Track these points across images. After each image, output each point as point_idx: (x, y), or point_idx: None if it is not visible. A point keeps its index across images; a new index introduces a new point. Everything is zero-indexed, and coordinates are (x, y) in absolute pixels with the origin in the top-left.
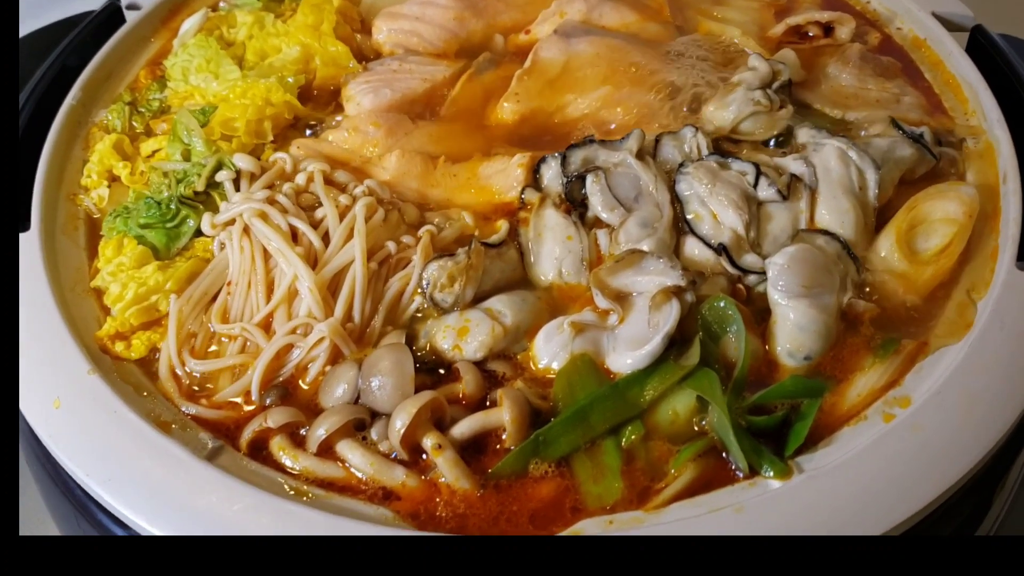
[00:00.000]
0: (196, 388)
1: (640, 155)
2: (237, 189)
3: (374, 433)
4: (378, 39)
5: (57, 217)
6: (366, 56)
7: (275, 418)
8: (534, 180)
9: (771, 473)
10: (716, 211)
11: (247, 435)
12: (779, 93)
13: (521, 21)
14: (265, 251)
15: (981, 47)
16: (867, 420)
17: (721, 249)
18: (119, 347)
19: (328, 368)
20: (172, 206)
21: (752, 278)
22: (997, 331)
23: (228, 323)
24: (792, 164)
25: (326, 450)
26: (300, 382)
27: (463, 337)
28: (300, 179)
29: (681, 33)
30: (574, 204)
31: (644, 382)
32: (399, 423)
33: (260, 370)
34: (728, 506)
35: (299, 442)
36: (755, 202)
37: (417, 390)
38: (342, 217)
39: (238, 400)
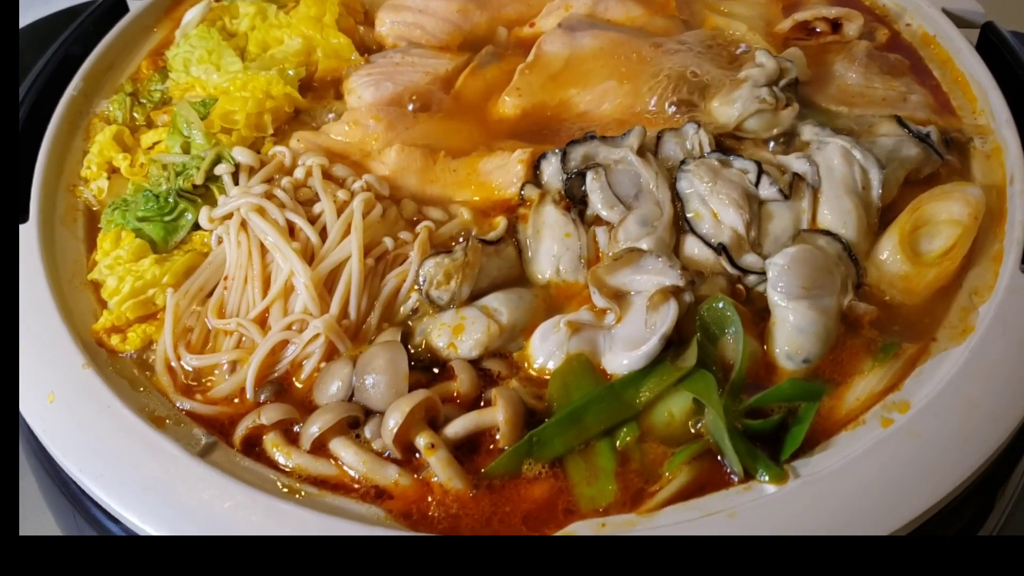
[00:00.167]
0: (193, 383)
1: (641, 152)
2: (236, 183)
3: (368, 431)
4: (381, 31)
5: (56, 208)
6: (369, 48)
7: (268, 415)
8: (534, 176)
9: (766, 477)
10: (717, 210)
11: (240, 431)
12: (785, 91)
13: (525, 14)
14: (262, 246)
15: (991, 45)
16: (865, 425)
17: (721, 249)
18: (115, 340)
19: (323, 365)
20: (170, 199)
21: (752, 278)
22: (999, 336)
23: (224, 318)
24: (795, 163)
25: (319, 447)
26: (295, 378)
27: (458, 335)
28: (299, 173)
29: (687, 28)
30: (574, 201)
31: (640, 383)
32: (392, 422)
33: (255, 366)
34: (721, 511)
35: (293, 439)
36: (756, 201)
37: (412, 388)
38: (340, 212)
39: (233, 396)
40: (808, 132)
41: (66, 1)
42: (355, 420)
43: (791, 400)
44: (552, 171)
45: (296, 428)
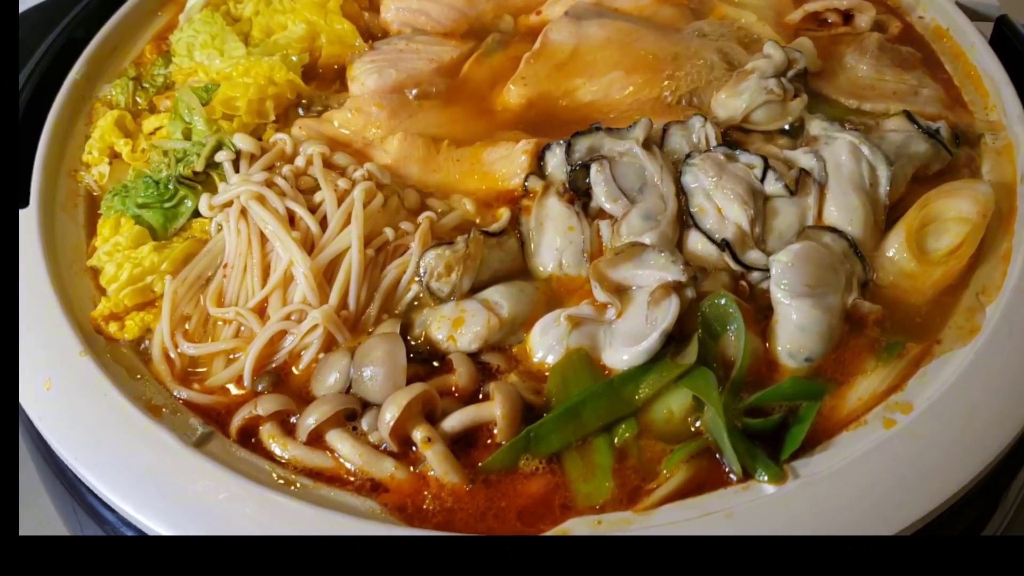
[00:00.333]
0: (189, 369)
1: (647, 144)
2: (237, 170)
3: (364, 423)
4: (385, 17)
5: (57, 194)
6: (373, 35)
7: (265, 406)
8: (538, 167)
9: (765, 477)
10: (721, 205)
11: (237, 422)
12: (793, 82)
13: (532, 1)
14: (262, 234)
15: (1005, 39)
16: (867, 425)
17: (724, 244)
18: (113, 328)
19: (321, 356)
20: (170, 186)
21: (755, 275)
22: (1005, 337)
23: (223, 307)
24: (802, 158)
25: (316, 439)
26: (293, 369)
27: (458, 328)
28: (300, 161)
29: (696, 17)
30: (578, 193)
31: (639, 379)
32: (388, 415)
33: (253, 356)
34: (719, 511)
35: (289, 430)
36: (762, 196)
37: (410, 380)
38: (340, 201)
39: (231, 385)
40: (816, 126)
41: None
42: (352, 412)
43: (792, 399)
44: (556, 162)
45: (293, 419)
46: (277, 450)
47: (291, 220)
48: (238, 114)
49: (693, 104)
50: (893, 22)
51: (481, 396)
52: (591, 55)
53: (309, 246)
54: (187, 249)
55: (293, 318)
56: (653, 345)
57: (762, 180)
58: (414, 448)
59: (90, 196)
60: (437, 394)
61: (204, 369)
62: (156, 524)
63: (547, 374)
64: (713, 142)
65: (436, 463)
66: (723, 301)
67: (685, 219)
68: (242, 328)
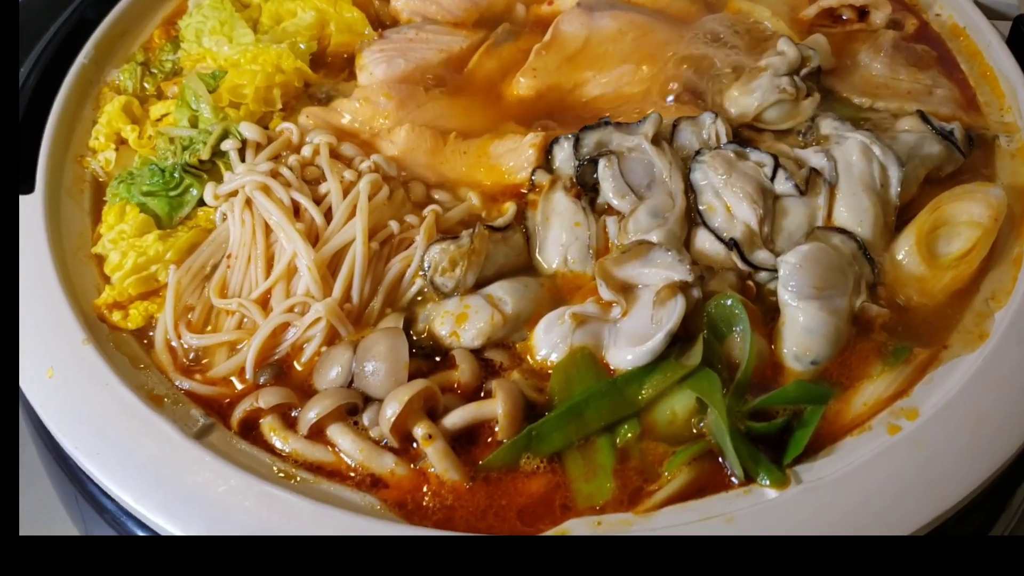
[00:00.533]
0: (191, 360)
1: (656, 140)
2: (243, 159)
3: (366, 418)
4: (396, 6)
5: (63, 179)
6: (383, 23)
7: (266, 399)
8: (546, 161)
9: (767, 481)
10: (730, 203)
11: (238, 414)
12: (807, 80)
13: None
14: (267, 225)
15: (1023, 39)
16: (871, 431)
17: (732, 244)
18: (116, 316)
19: (324, 349)
20: (176, 174)
21: (763, 275)
22: (1014, 344)
23: (226, 298)
24: (813, 157)
25: (317, 433)
26: (295, 362)
27: (461, 324)
28: (306, 151)
29: (709, 11)
30: (585, 188)
31: (643, 380)
32: (390, 411)
33: (255, 348)
34: (720, 515)
35: (291, 423)
36: (771, 196)
37: (412, 376)
38: (346, 193)
39: (232, 377)
40: (827, 125)
41: None
42: (354, 407)
43: (796, 403)
44: (564, 157)
45: (294, 412)
46: (278, 443)
47: (296, 211)
48: (245, 102)
49: (704, 100)
50: (909, 19)
51: (483, 393)
52: (602, 47)
53: (313, 238)
54: (192, 238)
55: (296, 310)
56: (658, 346)
57: (772, 179)
58: (415, 444)
59: (96, 182)
60: (439, 391)
61: (206, 360)
62: (155, 515)
63: (550, 372)
64: (724, 139)
65: (437, 460)
66: (729, 302)
67: (693, 217)
68: (245, 320)
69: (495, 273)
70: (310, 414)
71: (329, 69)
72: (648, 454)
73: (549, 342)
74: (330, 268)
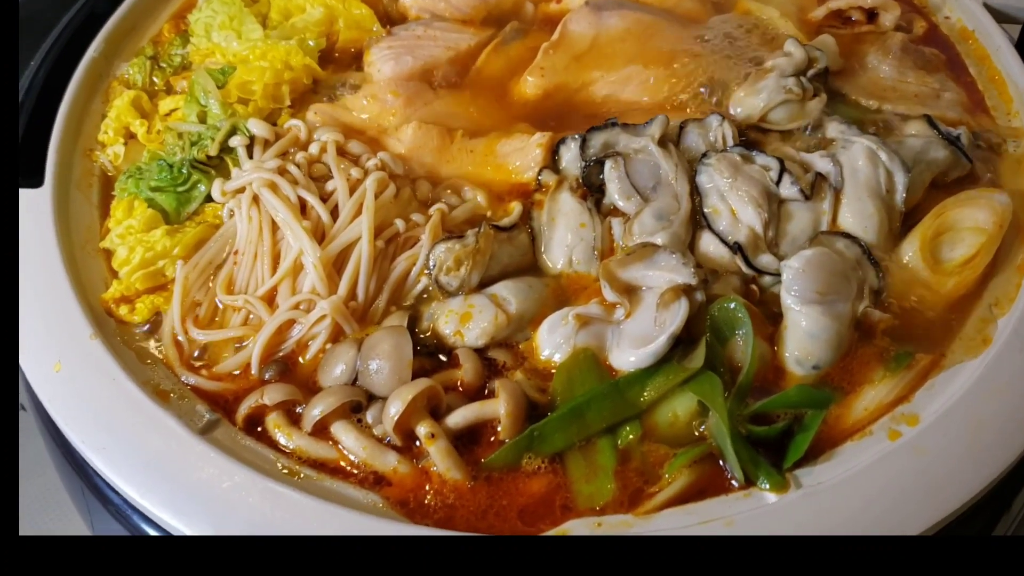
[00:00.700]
0: (198, 358)
1: (663, 142)
2: (250, 155)
3: (369, 416)
4: (405, 2)
5: (72, 173)
6: (392, 19)
7: (271, 395)
8: (552, 161)
9: (767, 485)
10: (735, 207)
11: (243, 410)
12: (813, 81)
13: None
14: (273, 222)
15: None
16: (872, 436)
17: (737, 248)
18: (123, 311)
19: (328, 346)
20: (184, 170)
21: (767, 279)
22: (1016, 352)
23: (233, 294)
24: (818, 161)
25: (321, 430)
26: (300, 358)
27: (465, 323)
28: (314, 148)
29: (718, 11)
30: (591, 189)
31: (645, 382)
32: (393, 410)
33: (260, 344)
34: (719, 518)
35: (295, 419)
36: (776, 200)
37: (416, 374)
38: (353, 191)
39: (238, 373)
40: (834, 129)
41: None
42: (357, 404)
43: (798, 407)
44: (571, 157)
45: (299, 409)
46: (282, 439)
47: (303, 208)
48: (253, 98)
49: (711, 101)
50: (918, 21)
51: (486, 392)
52: (610, 47)
53: (320, 235)
54: (199, 234)
55: (302, 307)
56: (660, 348)
57: (777, 183)
58: (418, 442)
59: (105, 176)
60: (442, 390)
61: (212, 355)
62: (159, 510)
63: (553, 372)
64: (730, 141)
65: (439, 459)
66: (732, 305)
67: (698, 219)
68: (251, 316)
69: (500, 273)
70: (314, 411)
71: (337, 65)
72: (649, 456)
73: (552, 342)
74: (336, 266)
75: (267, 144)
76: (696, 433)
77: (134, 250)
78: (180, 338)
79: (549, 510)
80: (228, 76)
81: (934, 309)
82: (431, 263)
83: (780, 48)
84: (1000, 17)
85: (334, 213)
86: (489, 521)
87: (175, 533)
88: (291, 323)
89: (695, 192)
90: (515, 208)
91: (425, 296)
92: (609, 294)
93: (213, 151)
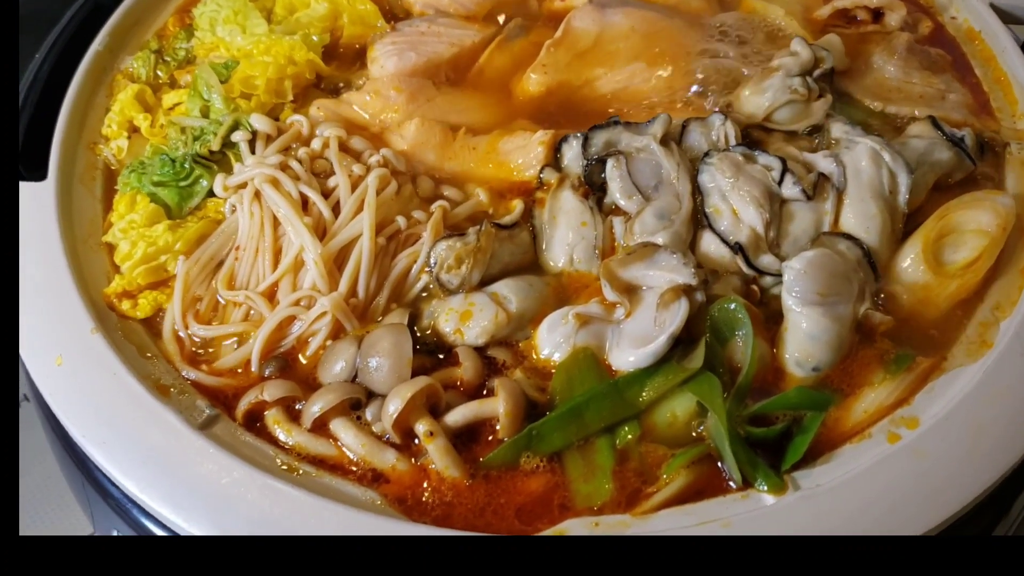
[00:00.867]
0: (199, 351)
1: (665, 141)
2: (253, 150)
3: (369, 413)
4: None
5: (76, 166)
6: (396, 15)
7: (271, 392)
8: (554, 159)
9: (765, 487)
10: (737, 207)
11: (243, 406)
12: (819, 81)
13: None
14: (275, 218)
15: None
16: (871, 438)
17: (738, 248)
18: (125, 306)
19: (329, 343)
20: (186, 165)
21: (768, 279)
22: (1017, 356)
23: (234, 289)
24: (821, 162)
25: (320, 426)
26: (300, 355)
27: (466, 322)
28: (316, 144)
29: (723, 9)
30: (593, 188)
31: (644, 382)
32: (392, 408)
33: (261, 340)
34: (716, 520)
35: (294, 416)
36: (778, 200)
37: (416, 372)
38: (354, 187)
39: (239, 369)
40: (838, 129)
41: None
42: (357, 402)
43: (797, 409)
44: (573, 155)
45: (298, 405)
46: (281, 436)
47: (304, 204)
48: (256, 93)
49: (714, 100)
50: (924, 22)
51: (485, 391)
52: (614, 44)
53: (321, 232)
54: (201, 229)
55: (302, 304)
56: (660, 348)
57: (780, 183)
58: (417, 440)
59: (108, 170)
60: (441, 388)
61: (213, 351)
62: (159, 504)
63: (552, 371)
64: (732, 141)
65: (437, 457)
66: (733, 306)
67: (699, 219)
68: (251, 312)
69: (500, 271)
70: (314, 408)
71: (340, 61)
72: (647, 456)
73: (552, 341)
74: (337, 262)
75: (269, 139)
76: (694, 434)
77: (136, 245)
78: (181, 333)
79: (547, 509)
80: (232, 71)
81: (936, 312)
82: (432, 261)
83: (785, 47)
84: (1007, 18)
85: (336, 209)
86: (487, 519)
87: (174, 527)
88: (291, 319)
89: (697, 191)
90: (516, 206)
91: (425, 294)
92: (610, 294)
93: (215, 146)
